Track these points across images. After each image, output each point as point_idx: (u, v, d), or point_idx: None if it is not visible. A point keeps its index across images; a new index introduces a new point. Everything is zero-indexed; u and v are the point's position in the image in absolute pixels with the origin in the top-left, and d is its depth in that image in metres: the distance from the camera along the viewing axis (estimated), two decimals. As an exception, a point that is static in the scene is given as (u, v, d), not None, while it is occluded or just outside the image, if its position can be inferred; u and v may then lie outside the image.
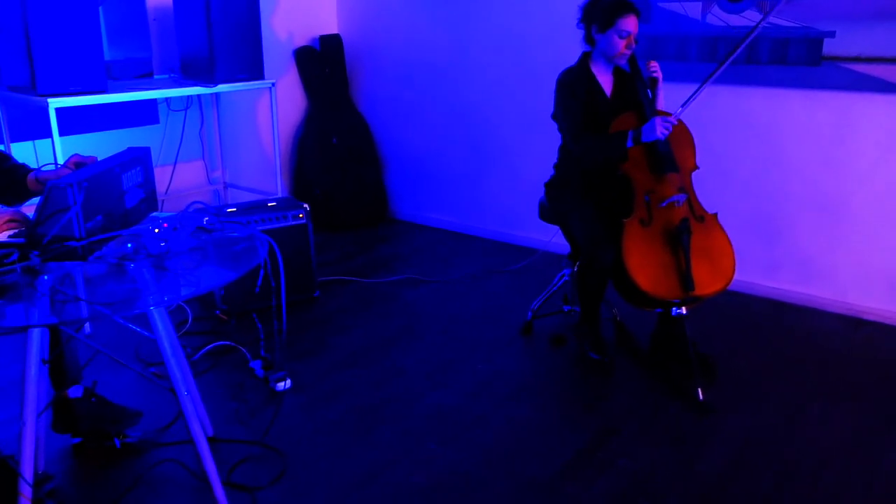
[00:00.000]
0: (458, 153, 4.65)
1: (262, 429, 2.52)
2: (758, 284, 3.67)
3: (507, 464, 2.35)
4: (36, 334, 1.87)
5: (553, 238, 3.51)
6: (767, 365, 2.97)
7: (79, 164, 2.06)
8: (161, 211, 2.39)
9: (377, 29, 4.82)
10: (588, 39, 2.89)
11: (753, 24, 3.36)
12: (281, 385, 2.77)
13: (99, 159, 2.09)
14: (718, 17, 3.46)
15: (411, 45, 4.67)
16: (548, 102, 3.01)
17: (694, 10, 3.52)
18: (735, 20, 3.42)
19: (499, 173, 4.49)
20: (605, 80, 2.91)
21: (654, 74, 2.87)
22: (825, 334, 3.25)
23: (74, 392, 2.33)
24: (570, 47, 3.07)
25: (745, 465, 2.33)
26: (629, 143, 2.74)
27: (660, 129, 2.70)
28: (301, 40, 4.82)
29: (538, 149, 4.09)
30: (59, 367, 2.28)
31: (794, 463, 2.33)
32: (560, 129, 2.94)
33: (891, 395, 2.73)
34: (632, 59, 2.85)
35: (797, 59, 3.31)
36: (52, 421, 2.35)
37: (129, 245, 1.90)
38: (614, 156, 2.78)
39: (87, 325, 3.17)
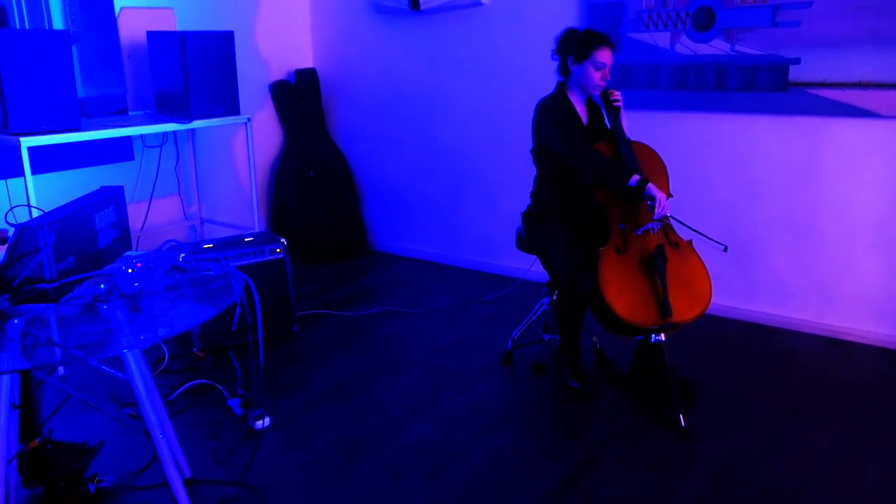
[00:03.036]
0: (435, 184, 4.67)
1: (241, 468, 2.47)
2: (735, 308, 3.70)
3: (490, 496, 2.33)
4: (6, 380, 1.84)
5: (532, 267, 3.52)
6: (747, 387, 2.98)
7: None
8: (137, 248, 2.37)
9: (352, 62, 4.85)
10: (563, 70, 2.93)
11: (720, 52, 3.44)
12: (259, 423, 2.73)
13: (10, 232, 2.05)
14: (687, 46, 3.53)
15: (386, 77, 4.70)
16: (522, 132, 3.04)
17: (663, 41, 3.59)
18: (703, 49, 3.49)
19: (476, 203, 4.51)
20: (581, 110, 2.96)
21: (617, 104, 2.91)
22: (803, 355, 3.28)
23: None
24: (542, 78, 3.11)
25: (728, 488, 2.33)
26: (632, 182, 2.68)
27: (658, 211, 2.67)
28: (277, 74, 4.84)
29: (514, 178, 4.12)
30: (29, 414, 2.22)
31: (775, 485, 2.33)
32: (542, 151, 2.94)
33: (869, 415, 2.75)
34: (603, 93, 2.90)
35: (765, 86, 3.38)
36: (21, 478, 2.29)
37: (102, 286, 1.88)
38: (612, 183, 2.75)
39: (60, 367, 3.11)
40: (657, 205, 2.68)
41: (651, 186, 2.70)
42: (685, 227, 2.83)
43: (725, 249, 2.82)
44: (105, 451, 2.50)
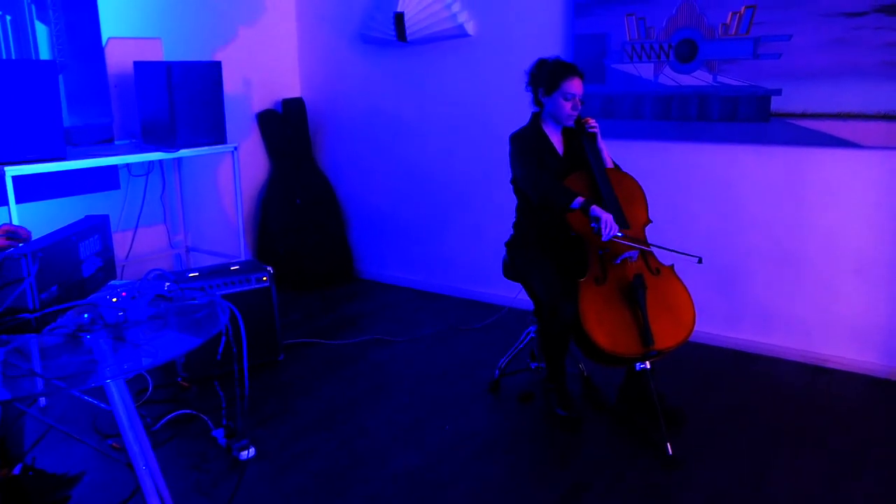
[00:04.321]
0: (422, 212, 4.69)
1: (225, 500, 2.44)
2: (719, 335, 3.71)
3: (477, 527, 2.31)
4: (-14, 410, 1.81)
5: (518, 295, 3.53)
6: (733, 415, 2.98)
7: (10, 232, 2.02)
8: (122, 277, 2.35)
9: (339, 92, 4.89)
10: (536, 102, 2.96)
11: (703, 83, 3.50)
12: (244, 454, 2.70)
13: (32, 234, 2.05)
14: (670, 77, 3.59)
15: (373, 107, 4.74)
16: (507, 161, 3.06)
17: (647, 71, 3.65)
18: (686, 80, 3.55)
19: (462, 231, 4.52)
20: (556, 140, 2.99)
21: (592, 130, 2.93)
22: (788, 383, 3.29)
23: (16, 471, 2.23)
24: (527, 109, 3.14)
25: (716, 519, 2.32)
26: (575, 204, 2.69)
27: (605, 233, 2.65)
28: (264, 104, 4.86)
29: (501, 206, 4.13)
30: (6, 445, 2.18)
31: (764, 515, 2.33)
32: (517, 182, 2.96)
33: (854, 442, 2.75)
34: (577, 121, 2.92)
35: (747, 116, 3.44)
36: None
37: (86, 315, 1.86)
38: (556, 205, 2.75)
39: (41, 398, 3.06)
40: (603, 226, 2.65)
41: (595, 208, 2.68)
42: (661, 250, 2.84)
43: (700, 261, 2.78)
44: (87, 483, 2.46)
